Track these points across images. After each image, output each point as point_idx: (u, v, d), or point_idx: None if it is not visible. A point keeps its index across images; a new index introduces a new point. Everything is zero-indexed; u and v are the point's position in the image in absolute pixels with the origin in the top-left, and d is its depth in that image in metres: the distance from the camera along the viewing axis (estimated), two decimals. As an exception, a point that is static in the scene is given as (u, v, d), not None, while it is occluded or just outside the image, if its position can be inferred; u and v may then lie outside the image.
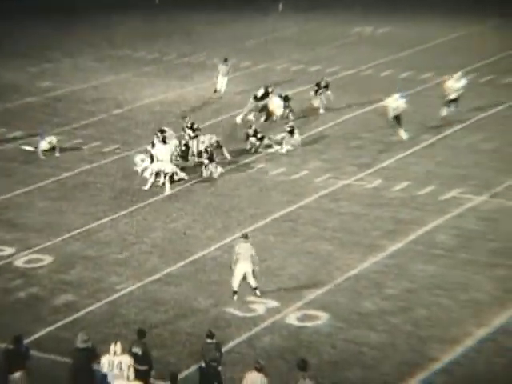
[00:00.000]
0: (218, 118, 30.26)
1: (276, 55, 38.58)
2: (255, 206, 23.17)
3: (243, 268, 17.97)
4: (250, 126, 27.16)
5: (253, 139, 26.81)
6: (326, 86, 30.38)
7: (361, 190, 24.08)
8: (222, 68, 32.39)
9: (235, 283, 18.09)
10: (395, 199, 23.44)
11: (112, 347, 14.25)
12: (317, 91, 30.32)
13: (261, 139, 26.84)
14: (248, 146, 26.81)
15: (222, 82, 32.27)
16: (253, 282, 18.16)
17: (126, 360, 14.12)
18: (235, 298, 18.11)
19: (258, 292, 18.25)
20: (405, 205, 23.03)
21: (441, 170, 25.32)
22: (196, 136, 25.80)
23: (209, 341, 14.83)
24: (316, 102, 30.35)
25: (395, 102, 27.47)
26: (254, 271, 18.07)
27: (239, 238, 18.69)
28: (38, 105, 32.37)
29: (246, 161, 26.35)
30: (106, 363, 14.23)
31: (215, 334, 14.95)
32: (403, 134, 27.35)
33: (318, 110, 30.22)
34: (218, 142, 25.99)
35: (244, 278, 18.07)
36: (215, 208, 23.10)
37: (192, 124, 26.11)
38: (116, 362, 14.12)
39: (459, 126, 28.89)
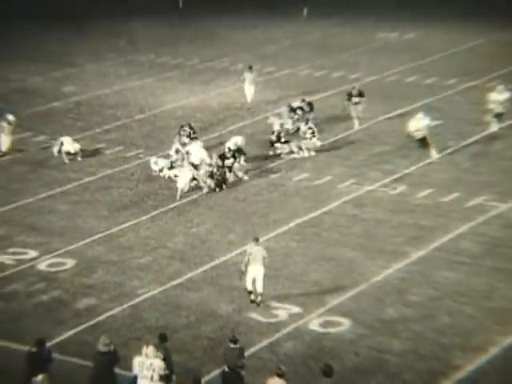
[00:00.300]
0: (239, 124, 30.22)
1: (299, 61, 38.51)
2: (277, 211, 23.07)
3: (254, 270, 17.95)
4: (273, 133, 27.07)
5: (278, 144, 26.71)
6: (360, 95, 29.18)
7: (385, 196, 23.91)
8: (248, 76, 31.84)
9: (248, 284, 18.11)
10: (419, 206, 23.24)
11: (144, 349, 14.29)
12: (349, 99, 29.14)
13: (285, 142, 26.76)
14: (278, 151, 26.64)
15: (250, 91, 31.65)
16: (260, 288, 18.06)
17: (157, 363, 14.18)
18: (252, 296, 18.08)
19: (260, 298, 18.08)
20: (429, 211, 22.83)
21: (466, 177, 25.09)
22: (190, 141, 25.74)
23: (232, 346, 14.75)
24: (353, 112, 29.08)
25: (419, 123, 26.43)
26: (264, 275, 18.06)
27: (251, 241, 18.53)
28: (62, 109, 32.52)
29: (269, 166, 26.27)
30: (136, 364, 14.29)
31: (239, 338, 14.86)
32: (434, 153, 26.33)
33: (353, 120, 29.09)
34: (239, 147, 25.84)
35: (254, 281, 18.05)
36: (237, 213, 23.03)
37: (190, 133, 26.03)
38: (147, 364, 14.19)
39: (484, 133, 28.64)
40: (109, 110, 32.24)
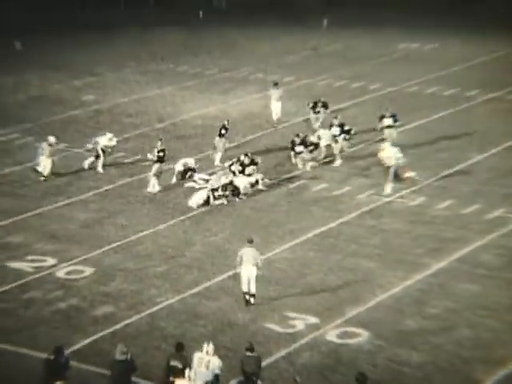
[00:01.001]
0: (258, 133, 30.19)
1: (319, 71, 38.45)
2: (295, 221, 22.98)
3: (247, 271, 18.31)
4: (298, 135, 26.82)
5: (305, 155, 26.44)
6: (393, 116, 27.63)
7: (404, 208, 23.76)
8: (274, 93, 30.79)
9: (244, 285, 18.41)
10: (439, 217, 23.07)
11: (205, 346, 14.64)
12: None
13: (311, 151, 26.60)
14: (302, 160, 26.48)
15: (277, 108, 30.51)
16: (253, 289, 18.34)
17: (215, 361, 14.59)
18: (247, 297, 18.31)
19: (253, 300, 18.32)
20: (449, 223, 22.66)
21: (486, 189, 24.89)
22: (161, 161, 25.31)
23: (249, 354, 14.71)
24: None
25: (389, 151, 24.47)
26: (256, 276, 18.39)
27: (245, 243, 18.84)
28: (82, 118, 32.64)
29: (287, 175, 26.20)
30: (196, 360, 14.59)
31: (256, 348, 14.78)
32: (388, 188, 24.43)
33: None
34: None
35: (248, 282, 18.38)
36: (255, 222, 22.96)
37: (162, 149, 25.34)
38: (205, 361, 14.53)
39: (505, 145, 28.43)
40: (128, 119, 32.32)
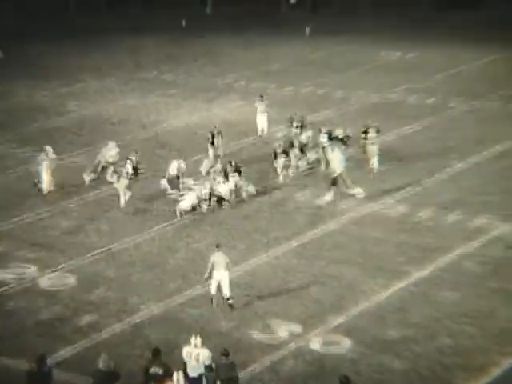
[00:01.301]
0: (242, 140, 30.27)
1: (303, 78, 38.61)
2: (279, 228, 23.06)
3: (219, 275, 18.61)
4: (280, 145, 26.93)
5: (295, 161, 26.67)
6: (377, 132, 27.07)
7: (386, 216, 23.89)
8: (260, 105, 30.49)
9: (212, 289, 18.75)
10: (421, 225, 23.22)
11: (192, 340, 14.98)
12: (364, 136, 26.99)
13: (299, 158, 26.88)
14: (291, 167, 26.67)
15: (262, 121, 30.17)
16: (227, 291, 18.62)
17: (204, 353, 14.88)
18: (214, 301, 18.72)
19: (230, 302, 18.58)
20: (430, 231, 22.80)
21: (468, 197, 25.07)
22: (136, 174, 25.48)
23: (224, 359, 14.82)
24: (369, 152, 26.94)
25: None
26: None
27: (214, 248, 19.06)
28: (66, 125, 32.60)
29: (271, 183, 26.28)
30: (185, 354, 14.94)
31: (237, 355, 14.81)
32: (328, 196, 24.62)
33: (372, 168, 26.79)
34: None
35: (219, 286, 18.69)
36: (238, 230, 23.01)
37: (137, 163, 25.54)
38: (194, 354, 14.84)
39: (486, 153, 28.66)
40: (111, 127, 32.31)
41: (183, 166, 25.68)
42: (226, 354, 14.88)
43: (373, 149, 27.07)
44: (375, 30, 48.14)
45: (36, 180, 25.53)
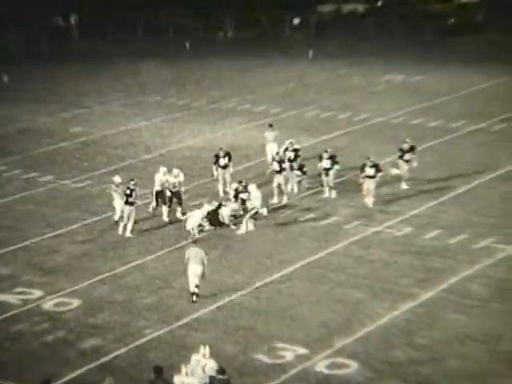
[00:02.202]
0: (246, 164, 30.30)
1: (306, 102, 38.72)
2: (284, 251, 23.00)
3: (193, 270, 19.50)
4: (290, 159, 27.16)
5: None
6: (412, 150, 27.28)
7: (391, 238, 23.84)
8: (269, 135, 30.05)
9: (191, 286, 19.54)
10: (426, 247, 23.16)
11: (202, 349, 15.48)
12: (401, 157, 27.23)
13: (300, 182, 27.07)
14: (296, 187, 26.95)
15: (273, 151, 29.19)
16: (197, 281, 19.44)
17: (211, 364, 15.26)
18: (194, 298, 19.57)
19: (195, 298, 19.30)
20: (436, 253, 22.74)
21: (472, 219, 25.03)
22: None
23: (220, 377, 14.92)
24: (402, 169, 27.22)
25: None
26: (203, 274, 19.64)
27: (190, 243, 19.93)
28: (70, 149, 32.69)
29: (275, 206, 26.26)
30: (193, 362, 15.34)
31: (242, 379, 14.74)
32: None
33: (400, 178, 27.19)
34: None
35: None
36: (243, 253, 22.97)
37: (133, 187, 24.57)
38: (202, 364, 15.25)
39: (490, 176, 28.65)
40: (115, 151, 32.38)
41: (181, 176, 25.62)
42: (221, 371, 15.07)
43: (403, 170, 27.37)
44: (379, 52, 48.33)
45: (117, 218, 24.57)
